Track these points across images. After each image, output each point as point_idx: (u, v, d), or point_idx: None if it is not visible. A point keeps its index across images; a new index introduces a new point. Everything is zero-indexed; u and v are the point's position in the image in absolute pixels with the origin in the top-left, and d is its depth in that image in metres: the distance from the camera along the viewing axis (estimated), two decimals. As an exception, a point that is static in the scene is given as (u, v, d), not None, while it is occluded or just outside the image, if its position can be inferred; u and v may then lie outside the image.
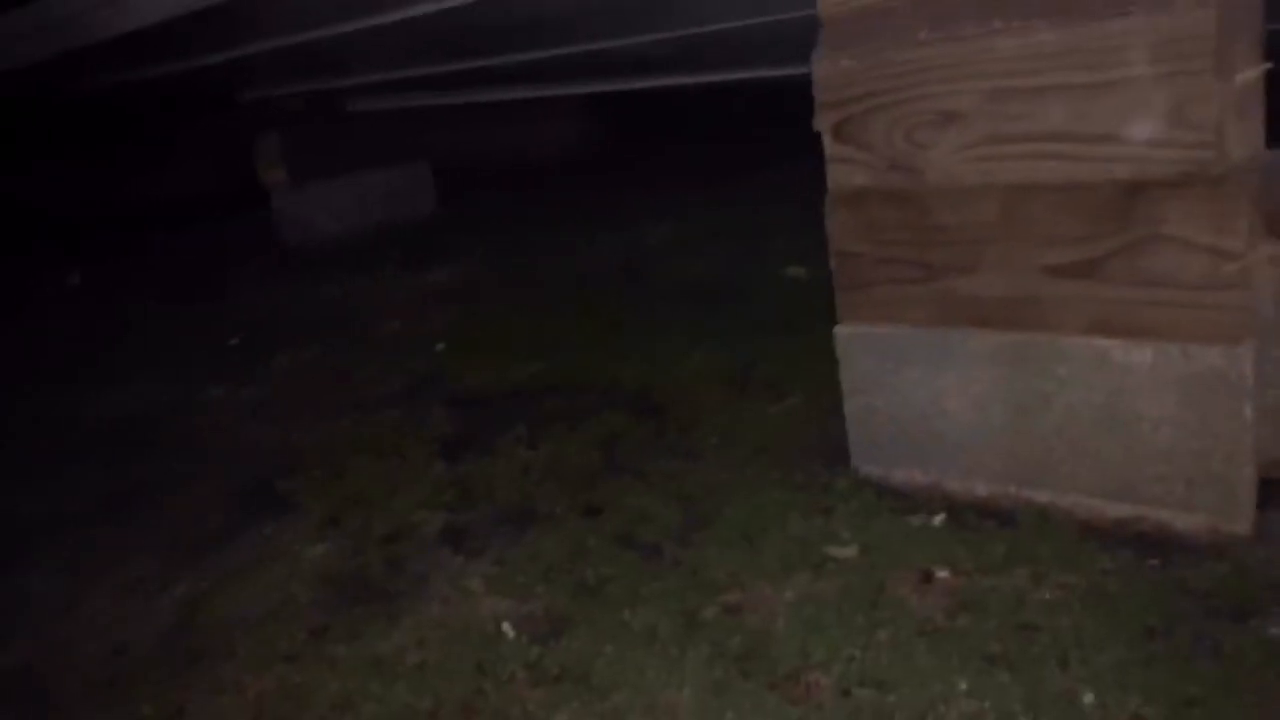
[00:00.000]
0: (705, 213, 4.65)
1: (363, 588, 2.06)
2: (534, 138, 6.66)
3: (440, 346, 3.54)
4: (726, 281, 3.75)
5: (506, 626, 1.84)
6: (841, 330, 2.09)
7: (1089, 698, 1.44)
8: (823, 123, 1.99)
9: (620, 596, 1.87)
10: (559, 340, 3.34)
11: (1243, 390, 1.65)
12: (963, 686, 1.50)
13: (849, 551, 1.88)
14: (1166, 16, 1.57)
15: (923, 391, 2.01)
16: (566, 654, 1.73)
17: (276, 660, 1.86)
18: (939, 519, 1.94)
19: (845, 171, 1.99)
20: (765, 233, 4.24)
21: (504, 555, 2.09)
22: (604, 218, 4.88)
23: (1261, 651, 1.46)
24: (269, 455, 2.81)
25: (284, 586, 2.11)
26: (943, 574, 1.79)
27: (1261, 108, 1.71)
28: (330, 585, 2.09)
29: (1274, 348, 1.79)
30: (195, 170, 6.78)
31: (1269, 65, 1.70)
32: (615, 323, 3.45)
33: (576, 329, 3.43)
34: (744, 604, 1.80)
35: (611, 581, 1.92)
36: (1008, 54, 1.74)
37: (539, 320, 3.61)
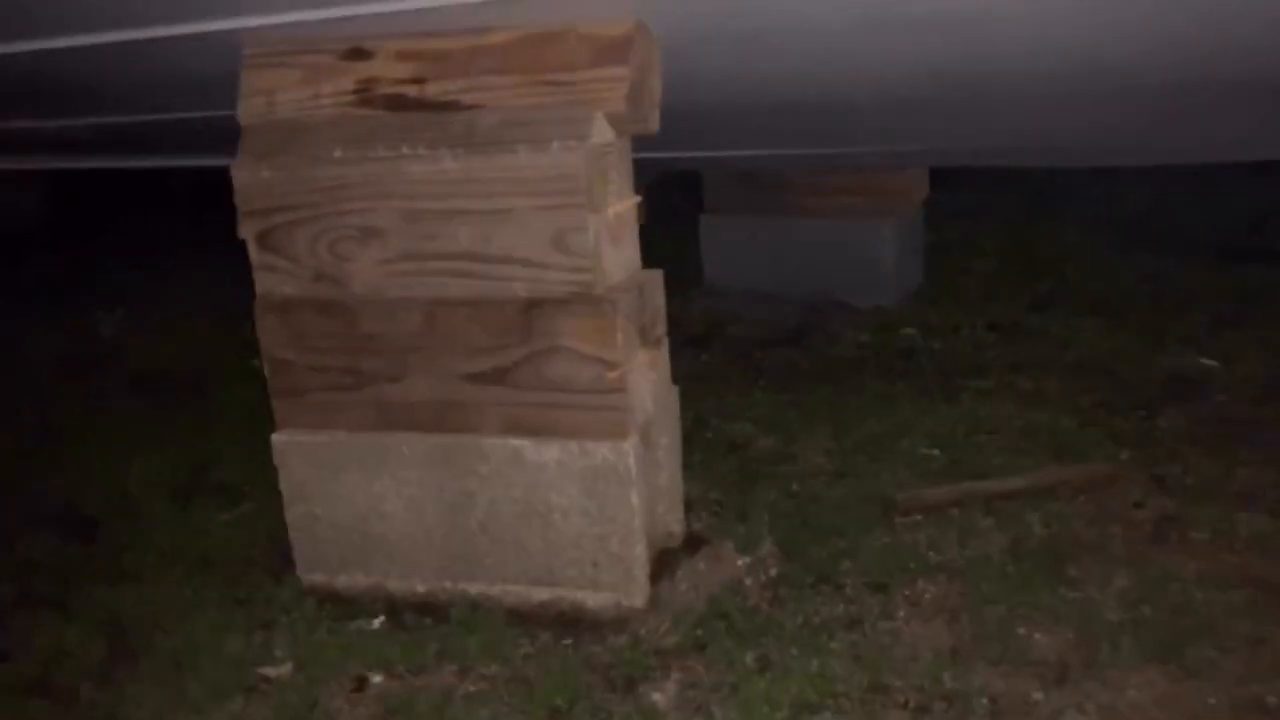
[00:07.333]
0: (165, 295, 4.33)
1: None
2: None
3: None
4: (191, 374, 3.52)
5: None
6: (278, 439, 2.07)
7: (493, 790, 1.53)
8: (246, 231, 1.97)
9: (18, 759, 1.67)
10: (-24, 451, 2.91)
11: (629, 480, 1.89)
12: (378, 801, 1.53)
13: (284, 670, 1.84)
14: (545, 156, 1.77)
15: (361, 496, 2.04)
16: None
17: None
18: (378, 622, 1.97)
19: (272, 280, 1.98)
20: (238, 312, 4.05)
21: None
22: (48, 302, 4.37)
23: (640, 718, 1.66)
24: None
25: None
26: (377, 679, 1.82)
27: (635, 233, 1.99)
28: None
29: (661, 436, 2.07)
30: None
31: (639, 198, 1.98)
32: (52, 426, 3.09)
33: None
34: (165, 744, 1.69)
35: (10, 742, 1.71)
36: (419, 177, 1.86)
37: (-46, 426, 3.12)
